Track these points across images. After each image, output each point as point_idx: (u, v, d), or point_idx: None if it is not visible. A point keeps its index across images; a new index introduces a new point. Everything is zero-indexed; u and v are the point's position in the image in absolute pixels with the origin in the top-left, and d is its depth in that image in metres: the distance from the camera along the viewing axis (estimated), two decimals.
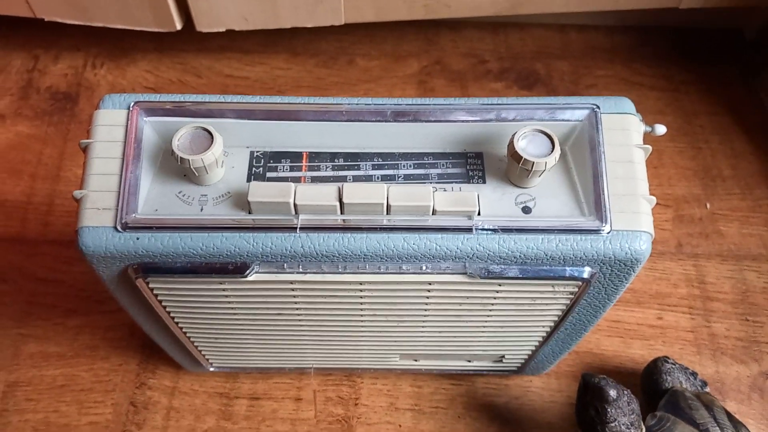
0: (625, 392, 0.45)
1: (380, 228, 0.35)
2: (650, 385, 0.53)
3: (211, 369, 0.54)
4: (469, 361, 0.51)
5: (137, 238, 0.34)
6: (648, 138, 0.38)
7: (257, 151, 0.38)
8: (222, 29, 0.68)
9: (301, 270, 0.36)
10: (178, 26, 0.67)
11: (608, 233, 0.34)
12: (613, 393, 0.43)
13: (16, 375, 0.57)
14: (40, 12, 0.68)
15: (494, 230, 0.35)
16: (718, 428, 0.45)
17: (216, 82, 0.76)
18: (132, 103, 0.36)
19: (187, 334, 0.45)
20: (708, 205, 0.67)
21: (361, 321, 0.42)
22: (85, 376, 0.57)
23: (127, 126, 0.36)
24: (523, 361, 0.51)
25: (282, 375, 0.57)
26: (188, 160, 0.33)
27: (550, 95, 0.75)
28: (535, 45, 0.80)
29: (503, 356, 0.49)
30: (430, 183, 0.37)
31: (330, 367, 0.55)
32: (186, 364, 0.53)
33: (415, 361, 0.51)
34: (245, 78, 0.76)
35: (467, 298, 0.39)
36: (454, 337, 0.45)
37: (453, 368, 0.53)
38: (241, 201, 0.35)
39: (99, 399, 0.56)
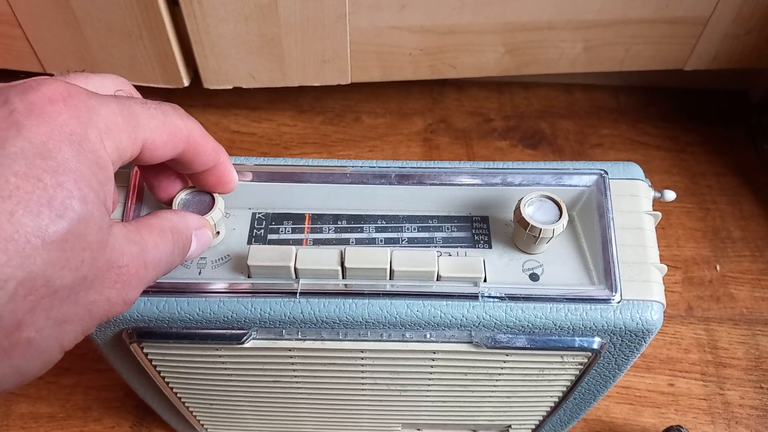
0: None
1: (383, 294, 0.34)
2: None
3: None
4: (475, 431, 0.49)
5: None
6: (657, 203, 0.37)
7: (259, 213, 0.37)
8: (229, 86, 0.69)
9: (300, 336, 0.35)
10: (186, 83, 0.68)
11: (618, 303, 0.33)
12: None
13: None
14: (50, 68, 0.68)
15: (501, 298, 0.34)
16: None
17: (223, 137, 0.76)
18: (135, 166, 0.36)
19: (182, 400, 0.44)
20: (718, 267, 0.66)
21: (362, 389, 0.41)
22: None
23: (128, 188, 0.35)
24: (530, 430, 0.49)
25: None
26: None
27: (555, 154, 0.75)
28: (541, 104, 0.80)
29: (510, 426, 0.47)
30: (435, 247, 0.36)
31: None
32: (181, 428, 0.52)
33: (418, 430, 0.49)
34: (252, 134, 0.77)
35: (473, 367, 0.38)
36: (459, 406, 0.43)
37: None
38: (240, 264, 0.35)
39: None
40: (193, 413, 0.46)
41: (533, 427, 0.48)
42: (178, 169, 0.31)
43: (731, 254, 0.67)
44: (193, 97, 0.76)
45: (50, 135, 0.22)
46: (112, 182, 0.25)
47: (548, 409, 0.44)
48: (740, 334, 0.61)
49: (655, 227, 0.36)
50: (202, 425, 0.49)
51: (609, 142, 0.76)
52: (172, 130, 0.28)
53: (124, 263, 0.25)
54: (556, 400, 0.42)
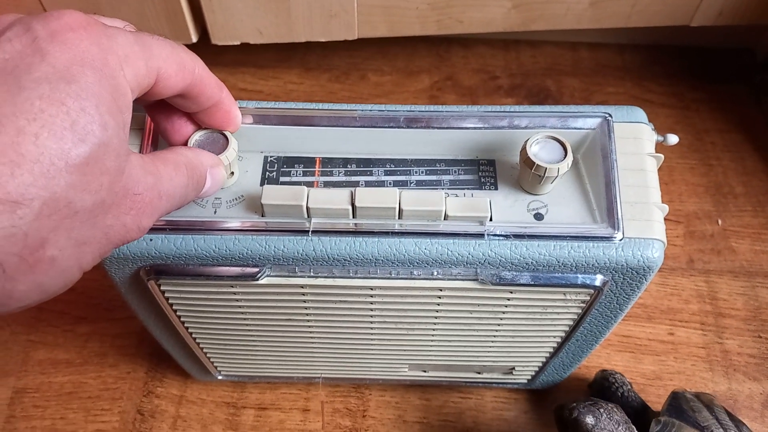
0: (602, 410, 0.44)
1: (392, 232, 0.35)
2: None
3: (219, 377, 0.54)
4: (479, 373, 0.51)
5: (150, 240, 0.35)
6: (660, 149, 0.38)
7: (271, 156, 0.38)
8: (237, 42, 0.69)
9: (312, 274, 0.37)
10: (194, 39, 0.68)
11: (620, 240, 0.34)
12: (590, 420, 0.42)
13: (24, 381, 0.57)
14: None
15: (506, 236, 0.35)
16: (721, 429, 0.44)
17: None
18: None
19: (197, 340, 0.45)
20: (720, 222, 0.67)
21: (371, 328, 0.42)
22: (93, 383, 0.57)
23: (144, 130, 0.36)
24: (533, 373, 0.50)
25: (290, 385, 0.57)
26: None
27: None
28: (546, 62, 0.80)
29: (513, 368, 0.49)
30: (442, 189, 0.37)
31: (338, 378, 0.54)
32: (194, 372, 0.53)
33: (424, 372, 0.51)
34: (259, 92, 0.77)
35: (478, 305, 0.39)
36: (465, 346, 0.45)
37: (463, 380, 0.53)
38: (254, 204, 0.36)
39: (106, 407, 0.56)
40: (207, 355, 0.48)
41: (536, 369, 0.49)
42: (185, 107, 0.32)
43: (733, 209, 0.68)
44: (201, 54, 0.75)
45: (73, 60, 0.23)
46: (130, 110, 0.26)
47: (551, 349, 0.45)
48: (740, 285, 0.63)
49: (659, 182, 0.36)
50: (216, 367, 0.51)
51: (614, 99, 0.76)
52: (180, 61, 0.29)
53: (139, 191, 0.27)
54: (559, 340, 0.43)
